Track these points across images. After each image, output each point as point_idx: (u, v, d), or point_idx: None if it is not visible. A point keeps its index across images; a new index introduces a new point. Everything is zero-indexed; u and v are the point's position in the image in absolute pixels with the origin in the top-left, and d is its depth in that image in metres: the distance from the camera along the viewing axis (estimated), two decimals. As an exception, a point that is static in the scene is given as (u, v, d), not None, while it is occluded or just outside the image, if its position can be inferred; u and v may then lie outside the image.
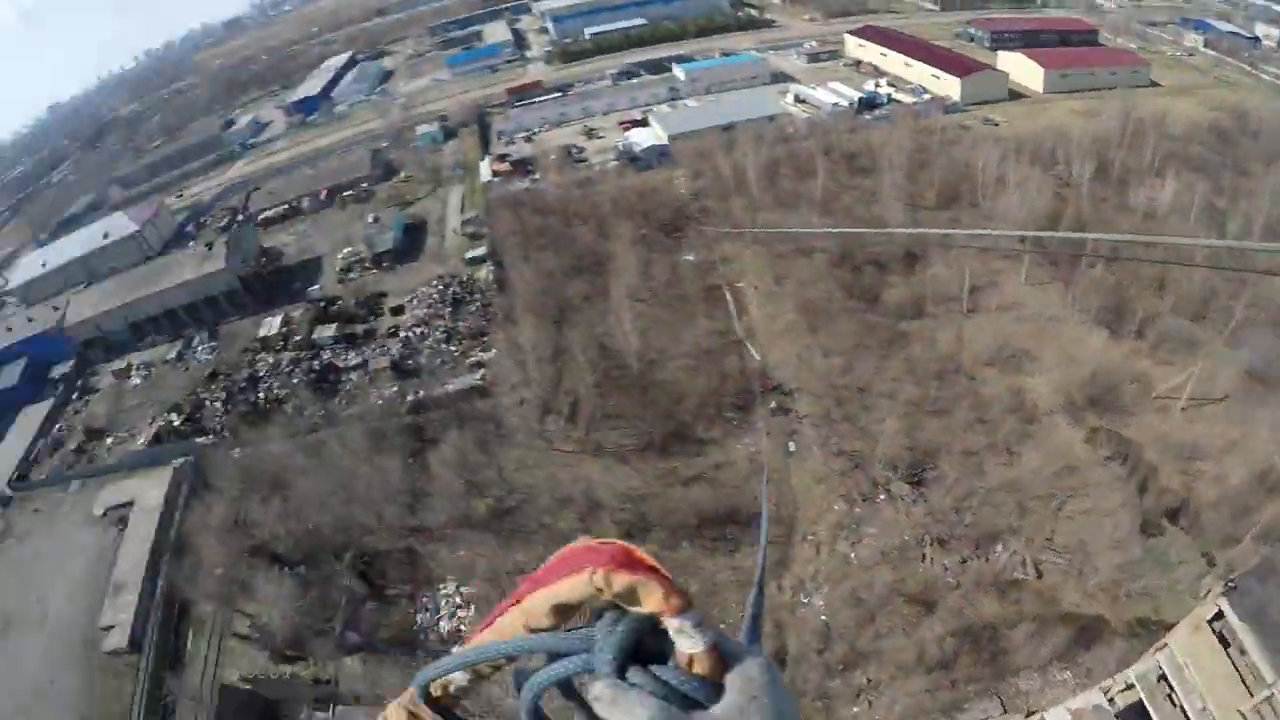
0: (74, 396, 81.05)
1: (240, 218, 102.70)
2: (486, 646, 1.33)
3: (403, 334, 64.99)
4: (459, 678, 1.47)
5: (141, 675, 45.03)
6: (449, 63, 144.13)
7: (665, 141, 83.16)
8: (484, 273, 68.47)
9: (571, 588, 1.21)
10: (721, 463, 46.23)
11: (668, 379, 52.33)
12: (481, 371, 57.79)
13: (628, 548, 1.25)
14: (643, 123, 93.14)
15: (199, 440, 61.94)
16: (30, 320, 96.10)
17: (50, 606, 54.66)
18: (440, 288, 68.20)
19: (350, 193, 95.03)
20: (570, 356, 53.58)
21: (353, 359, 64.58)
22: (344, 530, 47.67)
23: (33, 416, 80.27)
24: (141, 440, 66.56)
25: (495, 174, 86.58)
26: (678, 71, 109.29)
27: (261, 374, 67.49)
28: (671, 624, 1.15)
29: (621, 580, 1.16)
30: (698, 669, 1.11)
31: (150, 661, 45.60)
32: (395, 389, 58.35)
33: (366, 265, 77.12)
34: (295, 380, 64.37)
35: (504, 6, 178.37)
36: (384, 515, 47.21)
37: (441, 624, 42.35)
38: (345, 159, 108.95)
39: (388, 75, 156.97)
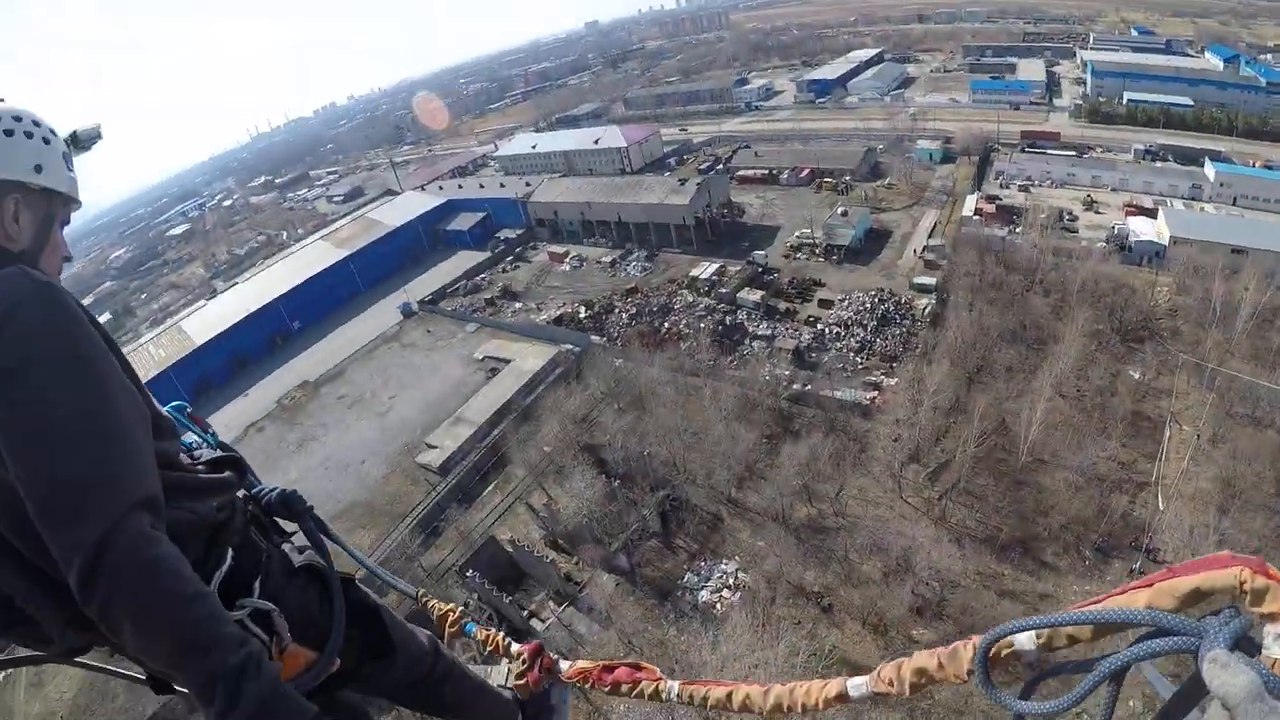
0: (508, 259, 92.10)
1: (720, 167, 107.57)
2: (1103, 612, 1.47)
3: (820, 327, 64.02)
4: (1025, 641, 1.62)
5: (433, 496, 50.38)
6: (972, 86, 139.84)
7: (1165, 241, 74.10)
8: (924, 303, 65.43)
9: (1216, 578, 1.36)
10: (1048, 595, 40.72)
11: (1047, 485, 46.62)
12: (874, 394, 55.45)
13: (1264, 561, 1.37)
14: (1150, 212, 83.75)
15: (593, 338, 66.48)
16: (501, 186, 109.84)
17: (396, 406, 63.69)
18: (875, 300, 66.13)
19: (830, 180, 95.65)
20: (965, 418, 49.64)
21: (762, 329, 65.09)
22: (671, 470, 48.85)
23: (466, 260, 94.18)
24: (544, 316, 73.85)
25: (978, 212, 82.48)
26: (1208, 169, 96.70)
27: (675, 307, 70.72)
28: (1275, 629, 1.27)
29: (1260, 581, 1.30)
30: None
31: (446, 491, 50.59)
32: (787, 373, 57.96)
33: (816, 252, 77.04)
34: (702, 325, 66.43)
35: (1047, 46, 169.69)
36: (713, 475, 47.61)
37: (702, 594, 41.61)
38: (838, 147, 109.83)
39: (907, 81, 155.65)
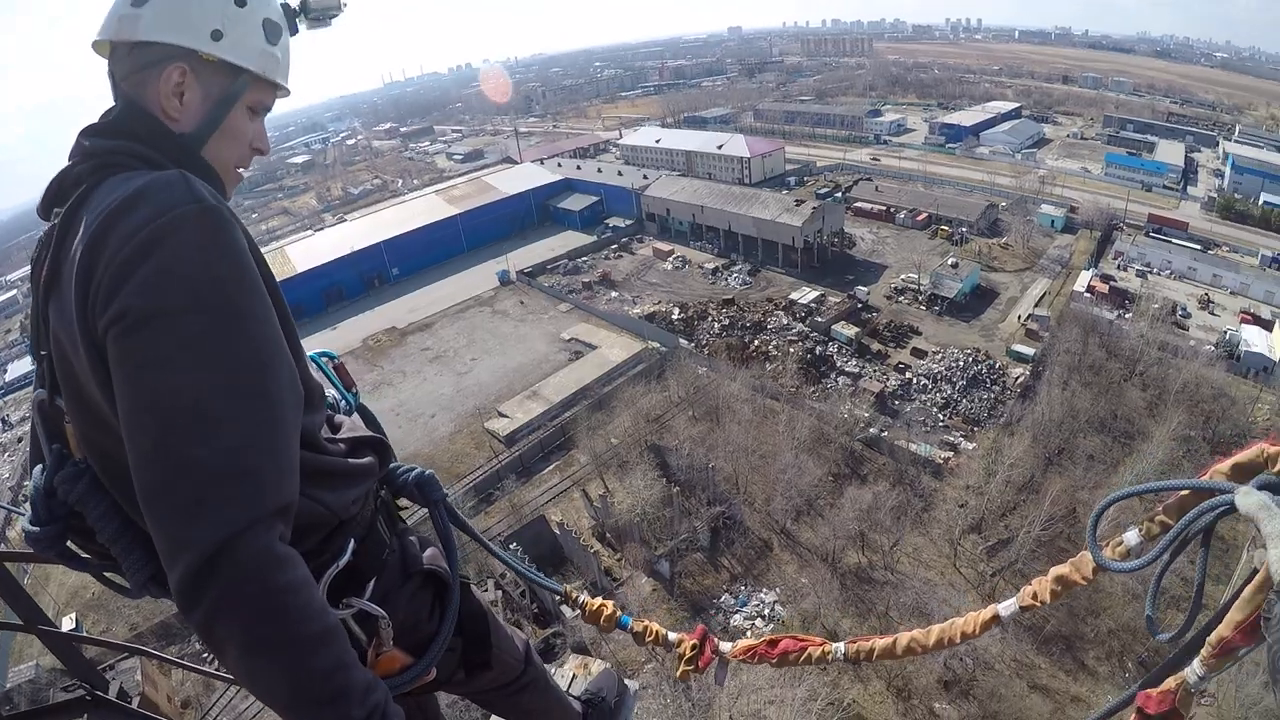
0: (613, 247, 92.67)
1: (839, 195, 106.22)
2: (1183, 481, 1.83)
3: (909, 375, 62.94)
4: (1131, 537, 1.96)
5: (494, 462, 51.27)
6: (1107, 159, 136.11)
7: (1276, 357, 70.88)
8: (1018, 372, 63.74)
9: (1245, 454, 1.69)
10: (1080, 699, 39.57)
11: (1103, 586, 44.02)
12: (949, 454, 54.26)
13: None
14: (1266, 324, 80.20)
15: (681, 341, 66.38)
16: (619, 174, 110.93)
17: (476, 369, 64.82)
18: (969, 359, 64.64)
19: (947, 228, 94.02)
20: (1035, 498, 48.28)
21: (851, 366, 64.24)
22: (732, 488, 48.75)
23: (572, 240, 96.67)
24: (638, 310, 74.03)
25: (1090, 289, 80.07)
26: None
27: (768, 326, 70.12)
28: None
29: (1275, 449, 1.63)
30: None
31: (508, 461, 51.17)
32: (867, 415, 56.92)
33: (919, 298, 75.73)
34: (791, 350, 65.75)
35: (1190, 130, 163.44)
36: (772, 502, 47.17)
37: (736, 617, 41.29)
38: (960, 196, 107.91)
39: (1041, 141, 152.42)
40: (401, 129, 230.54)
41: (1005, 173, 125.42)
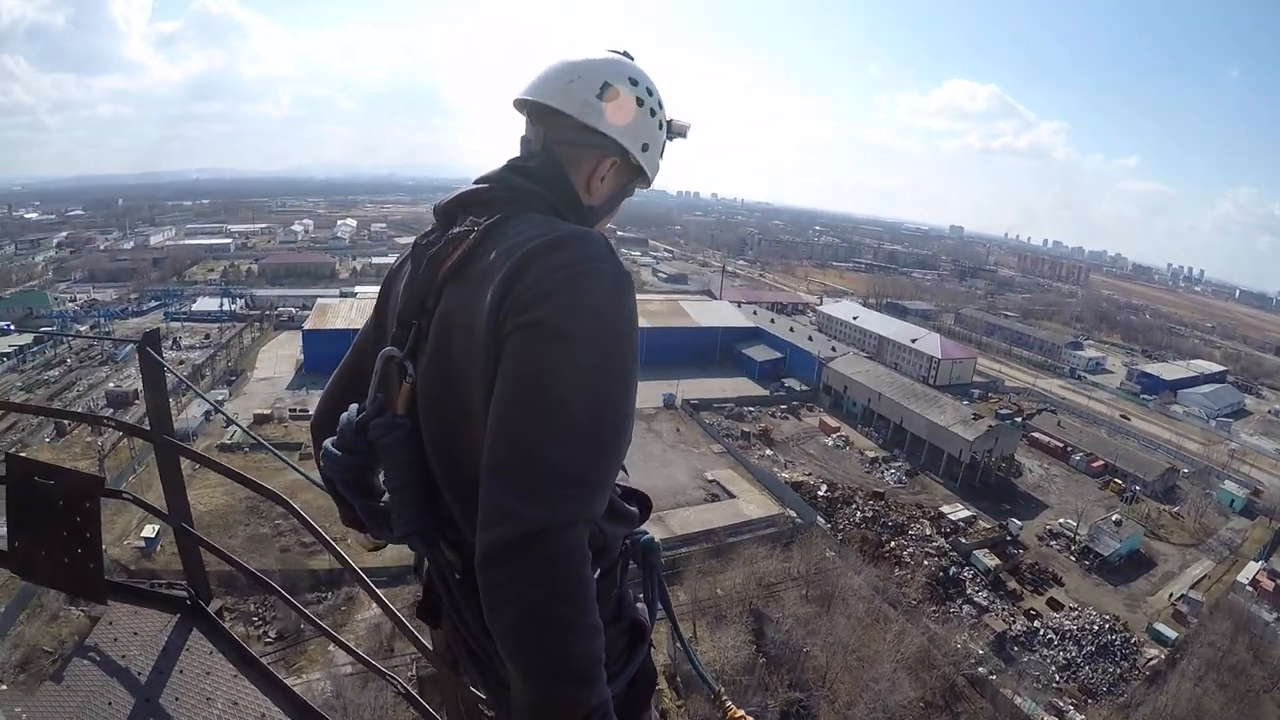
0: (783, 406, 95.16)
1: (1019, 419, 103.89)
2: None
3: (1037, 625, 60.38)
4: None
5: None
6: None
7: None
8: (1154, 654, 60.09)
9: None
10: None
11: None
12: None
13: None
14: None
15: (819, 519, 66.78)
16: (810, 339, 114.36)
17: None
18: (1105, 626, 61.42)
19: (1120, 482, 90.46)
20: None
21: (980, 597, 62.50)
22: (817, 680, 47.78)
23: (745, 388, 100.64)
24: (787, 475, 74.50)
25: (1254, 583, 74.86)
26: None
27: (909, 532, 69.24)
28: None
29: None
30: None
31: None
32: (981, 652, 55.15)
33: (1071, 548, 73.10)
34: (925, 562, 64.84)
35: None
36: (853, 708, 45.99)
37: None
38: (1142, 453, 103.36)
39: (1240, 412, 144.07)
40: (620, 232, 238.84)
41: (1195, 437, 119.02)
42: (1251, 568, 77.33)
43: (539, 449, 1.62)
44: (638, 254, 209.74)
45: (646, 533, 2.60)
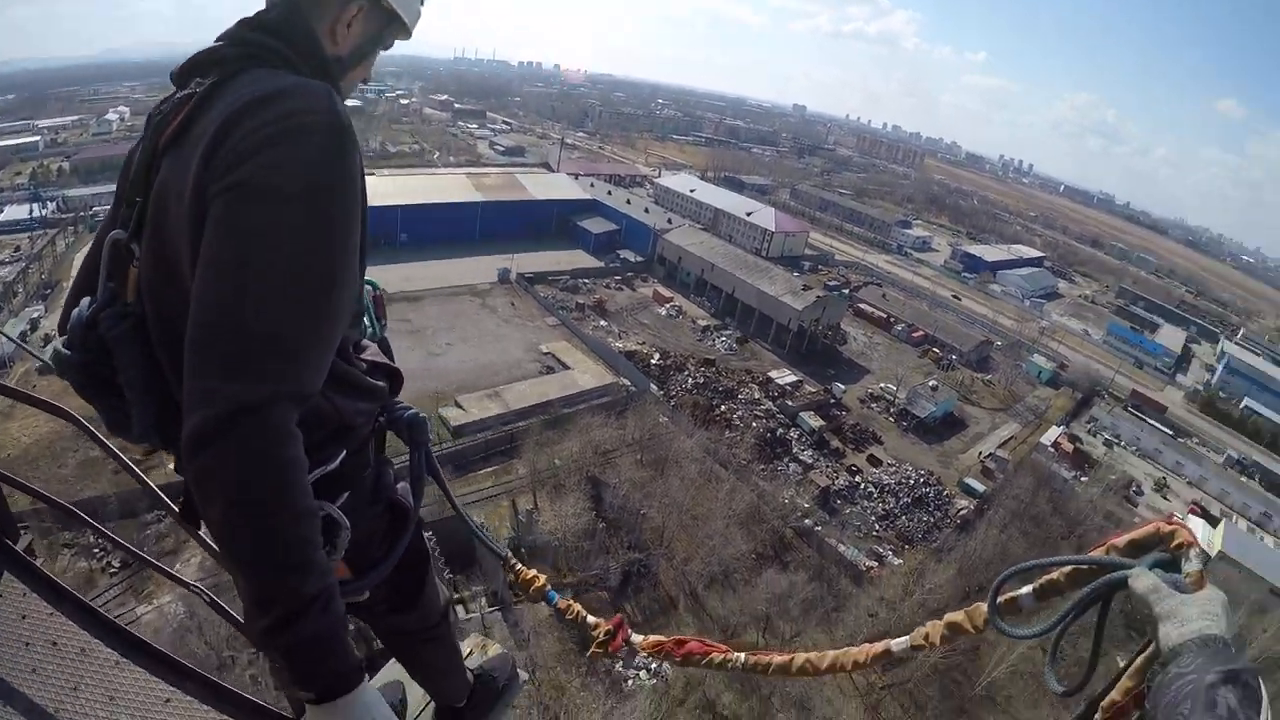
0: (617, 278, 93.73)
1: (846, 291, 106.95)
2: (1081, 556, 1.88)
3: (858, 480, 63.29)
4: (1026, 595, 2.02)
5: (435, 449, 50.12)
6: (1109, 328, 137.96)
7: (1212, 553, 71.40)
8: (964, 504, 64.19)
9: (1141, 531, 1.74)
10: None
11: None
12: (874, 564, 54.48)
13: (1173, 515, 1.84)
14: (1212, 519, 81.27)
15: (653, 386, 66.79)
16: (646, 211, 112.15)
17: (448, 354, 64.69)
18: (920, 480, 65.09)
19: (937, 351, 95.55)
20: (947, 630, 48.90)
21: (806, 455, 64.58)
22: (655, 539, 48.78)
23: (580, 260, 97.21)
24: (620, 345, 74.26)
25: (1055, 445, 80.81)
26: None
27: (739, 396, 70.38)
28: (1192, 552, 1.66)
29: (1168, 528, 1.68)
30: (1193, 581, 1.58)
31: (448, 454, 50.26)
32: (806, 505, 57.41)
33: (890, 410, 76.65)
34: (753, 424, 66.01)
35: (1196, 321, 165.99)
36: (690, 563, 47.54)
37: (620, 664, 40.46)
38: (959, 325, 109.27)
39: (1053, 294, 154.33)
40: (456, 104, 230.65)
41: (1010, 315, 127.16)
42: (1053, 432, 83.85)
43: (235, 316, 1.52)
44: (474, 126, 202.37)
45: (410, 408, 2.47)
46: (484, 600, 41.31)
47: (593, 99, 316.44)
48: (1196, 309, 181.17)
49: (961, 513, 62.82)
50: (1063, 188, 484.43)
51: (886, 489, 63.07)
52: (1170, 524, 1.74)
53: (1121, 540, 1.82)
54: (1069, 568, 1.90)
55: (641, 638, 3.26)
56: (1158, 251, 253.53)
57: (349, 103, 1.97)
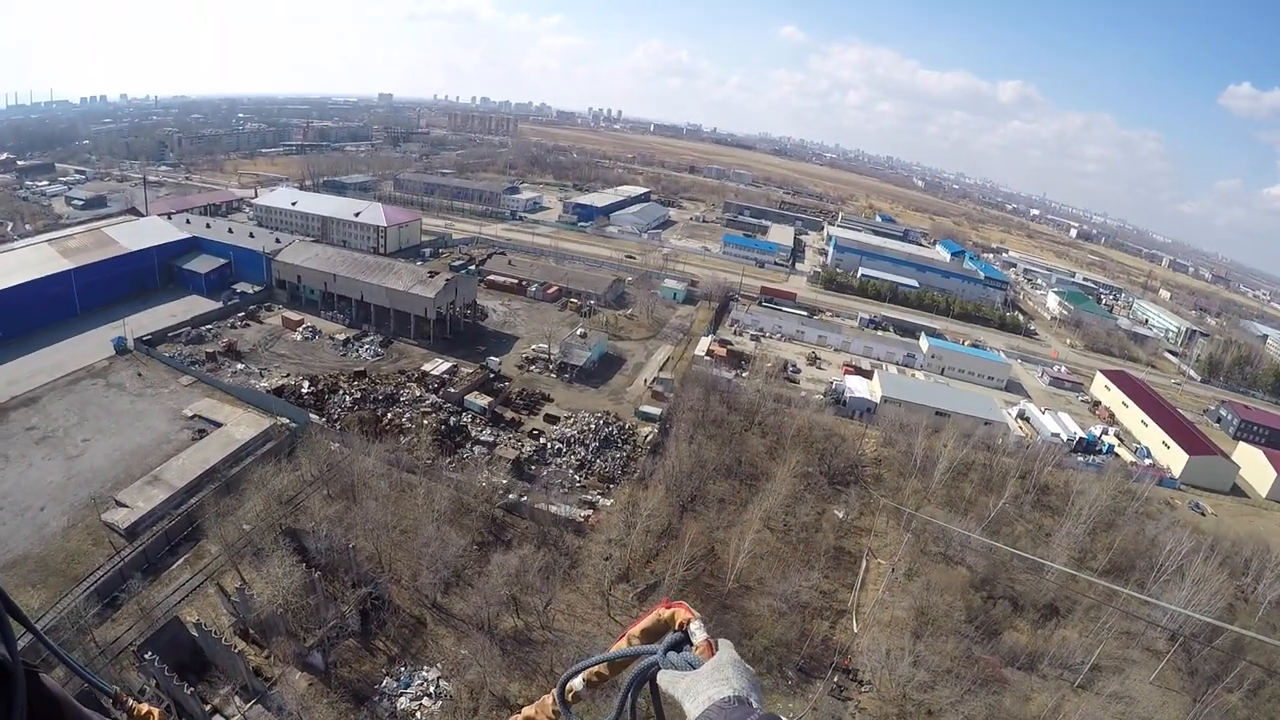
0: (240, 315, 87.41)
1: (473, 267, 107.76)
2: (612, 653, 2.25)
3: (543, 441, 65.07)
4: (578, 684, 2.38)
5: (115, 561, 45.65)
6: (725, 239, 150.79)
7: (876, 399, 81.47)
8: (647, 431, 68.08)
9: (652, 617, 2.19)
10: None
11: (752, 610, 49.50)
12: (589, 512, 56.70)
13: (670, 600, 2.24)
14: (867, 373, 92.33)
15: (312, 416, 64.23)
16: (251, 236, 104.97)
17: (89, 451, 57.21)
18: (600, 422, 68.21)
19: (576, 300, 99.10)
20: (675, 543, 51.87)
21: (486, 435, 65.35)
22: (376, 567, 47.71)
23: (197, 306, 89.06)
24: (266, 384, 70.47)
25: (709, 354, 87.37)
26: (923, 342, 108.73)
27: (401, 398, 69.69)
28: (693, 626, 2.10)
29: (669, 612, 2.15)
30: (701, 651, 1.97)
31: (131, 557, 46.09)
32: (505, 482, 57.94)
33: (550, 367, 78.85)
34: (425, 422, 65.75)
35: (800, 216, 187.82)
36: (419, 577, 46.71)
37: (401, 700, 40.23)
38: (589, 271, 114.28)
39: (667, 223, 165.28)
40: (20, 161, 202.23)
41: (633, 250, 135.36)
42: (704, 342, 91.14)
43: None
44: (45, 183, 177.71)
45: None
46: (237, 699, 38.52)
47: (169, 126, 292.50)
48: (797, 206, 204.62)
49: (648, 438, 67.03)
50: (653, 127, 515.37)
51: (573, 440, 65.50)
52: (669, 607, 2.25)
53: (636, 629, 2.27)
54: (605, 664, 2.30)
55: None
56: (750, 165, 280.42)
57: None
